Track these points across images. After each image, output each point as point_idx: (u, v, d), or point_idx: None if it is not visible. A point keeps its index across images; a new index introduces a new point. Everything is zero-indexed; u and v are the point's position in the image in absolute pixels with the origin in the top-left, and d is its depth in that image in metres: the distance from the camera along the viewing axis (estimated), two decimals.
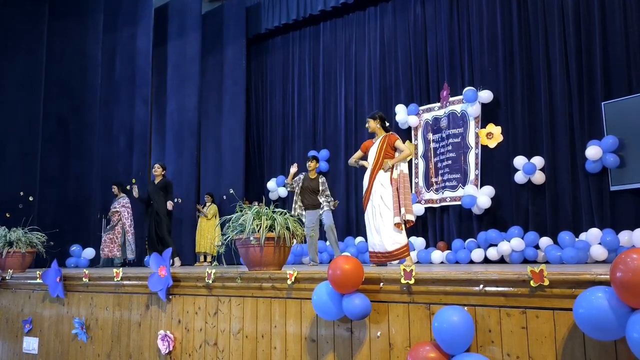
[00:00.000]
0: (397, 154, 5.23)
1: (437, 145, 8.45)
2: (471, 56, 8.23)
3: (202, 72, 10.29)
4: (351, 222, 9.31)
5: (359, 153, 5.60)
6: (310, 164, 6.91)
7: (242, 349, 3.47)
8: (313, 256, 6.85)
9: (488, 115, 7.89)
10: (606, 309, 1.99)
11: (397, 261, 5.09)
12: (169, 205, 7.25)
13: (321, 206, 6.79)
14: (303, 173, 7.04)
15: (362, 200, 5.41)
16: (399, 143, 5.23)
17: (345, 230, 9.21)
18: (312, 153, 9.43)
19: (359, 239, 8.62)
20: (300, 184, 6.88)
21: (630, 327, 1.91)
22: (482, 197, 7.50)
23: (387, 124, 5.53)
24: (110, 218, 8.35)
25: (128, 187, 8.56)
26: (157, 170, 7.52)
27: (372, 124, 5.41)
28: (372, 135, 5.61)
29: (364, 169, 5.53)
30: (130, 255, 8.24)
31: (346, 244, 8.58)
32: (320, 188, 6.81)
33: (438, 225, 8.33)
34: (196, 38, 10.07)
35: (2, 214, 7.28)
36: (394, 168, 5.17)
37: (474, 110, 7.88)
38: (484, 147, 7.86)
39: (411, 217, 5.07)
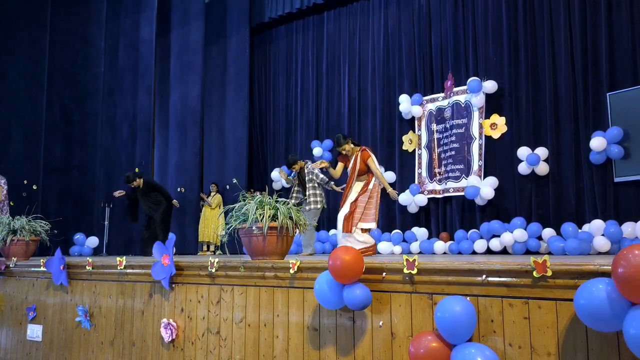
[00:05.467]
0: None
1: (441, 136, 8.42)
2: (475, 46, 8.18)
3: (205, 62, 10.23)
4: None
5: (340, 165, 5.54)
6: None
7: (245, 338, 3.48)
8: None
9: (492, 105, 7.85)
10: (606, 301, 1.99)
11: None
12: (175, 203, 7.14)
13: (307, 201, 6.36)
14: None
15: (340, 202, 5.49)
16: (370, 161, 5.29)
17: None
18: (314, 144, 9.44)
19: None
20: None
21: (628, 323, 1.91)
22: (485, 188, 7.48)
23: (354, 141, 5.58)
24: None
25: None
26: (134, 184, 6.80)
27: (349, 147, 5.40)
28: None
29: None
30: None
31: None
32: (306, 177, 6.40)
33: (441, 216, 8.33)
34: (199, 27, 10.01)
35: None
36: (372, 180, 5.28)
37: (478, 100, 7.84)
38: (488, 138, 7.83)
39: (369, 226, 5.19)
